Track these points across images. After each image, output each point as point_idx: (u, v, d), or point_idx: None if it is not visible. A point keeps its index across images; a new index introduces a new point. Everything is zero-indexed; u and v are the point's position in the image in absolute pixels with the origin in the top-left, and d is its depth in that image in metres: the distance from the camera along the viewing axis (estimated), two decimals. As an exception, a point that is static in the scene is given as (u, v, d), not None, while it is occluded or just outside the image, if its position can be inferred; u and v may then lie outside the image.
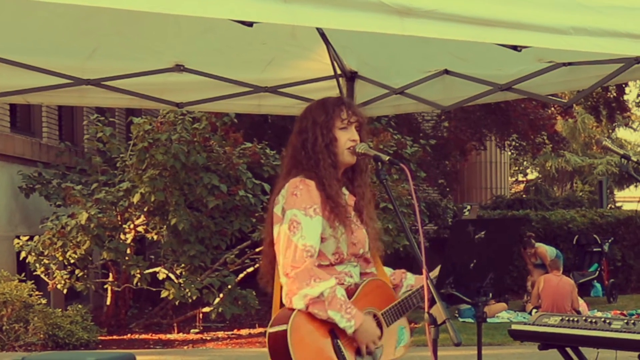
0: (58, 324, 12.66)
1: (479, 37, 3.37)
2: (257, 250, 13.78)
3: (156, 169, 13.41)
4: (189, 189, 13.76)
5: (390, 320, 3.88)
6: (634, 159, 4.77)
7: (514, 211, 21.44)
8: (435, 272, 3.97)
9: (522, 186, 39.31)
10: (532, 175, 43.26)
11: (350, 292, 3.81)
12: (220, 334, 14.27)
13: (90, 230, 13.11)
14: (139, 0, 2.93)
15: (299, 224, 3.71)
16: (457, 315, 14.55)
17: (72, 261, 13.56)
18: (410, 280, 4.13)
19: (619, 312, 14.70)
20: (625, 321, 5.16)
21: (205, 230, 13.77)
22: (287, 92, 6.46)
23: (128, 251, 13.96)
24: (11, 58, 5.60)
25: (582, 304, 14.19)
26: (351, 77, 6.42)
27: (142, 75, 6.07)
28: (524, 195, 29.27)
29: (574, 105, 25.09)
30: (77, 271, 13.83)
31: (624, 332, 5.05)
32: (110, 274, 14.64)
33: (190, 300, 13.54)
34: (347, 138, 3.88)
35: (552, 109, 22.35)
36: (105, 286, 14.71)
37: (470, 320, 13.92)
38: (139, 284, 13.76)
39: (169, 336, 14.06)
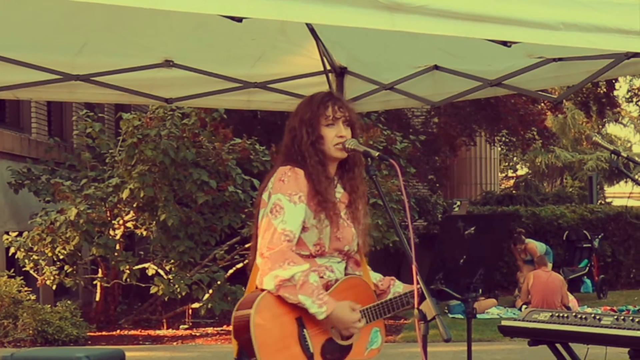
0: (47, 320, 12.60)
1: (469, 33, 3.37)
2: (247, 246, 13.70)
3: (145, 164, 13.37)
4: (178, 184, 13.72)
5: (368, 319, 3.79)
6: (624, 154, 4.79)
7: (504, 207, 21.46)
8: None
9: (512, 182, 39.36)
10: (522, 171, 43.25)
11: (327, 287, 3.77)
12: (209, 329, 14.24)
13: (79, 226, 13.06)
14: (127, -5, 2.92)
15: (282, 209, 3.69)
16: (446, 311, 14.53)
17: (61, 257, 13.51)
18: (397, 288, 4.04)
19: (609, 308, 14.76)
20: (615, 317, 5.15)
21: (195, 226, 13.73)
22: (277, 87, 6.46)
23: (117, 247, 13.91)
24: (0, 54, 5.59)
25: (572, 300, 14.17)
26: (341, 72, 6.43)
27: (131, 70, 6.07)
28: (513, 191, 29.36)
29: (564, 100, 25.19)
30: (66, 267, 13.78)
31: (614, 328, 5.04)
32: (100, 270, 14.60)
33: (179, 296, 13.50)
34: (334, 134, 3.85)
35: (542, 104, 22.39)
36: (94, 282, 14.65)
37: (460, 316, 13.90)
38: (128, 279, 13.73)
39: (158, 332, 14.03)
